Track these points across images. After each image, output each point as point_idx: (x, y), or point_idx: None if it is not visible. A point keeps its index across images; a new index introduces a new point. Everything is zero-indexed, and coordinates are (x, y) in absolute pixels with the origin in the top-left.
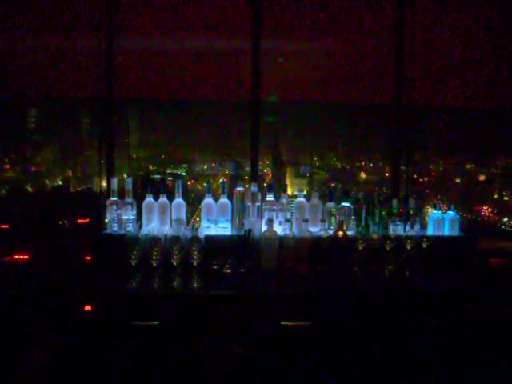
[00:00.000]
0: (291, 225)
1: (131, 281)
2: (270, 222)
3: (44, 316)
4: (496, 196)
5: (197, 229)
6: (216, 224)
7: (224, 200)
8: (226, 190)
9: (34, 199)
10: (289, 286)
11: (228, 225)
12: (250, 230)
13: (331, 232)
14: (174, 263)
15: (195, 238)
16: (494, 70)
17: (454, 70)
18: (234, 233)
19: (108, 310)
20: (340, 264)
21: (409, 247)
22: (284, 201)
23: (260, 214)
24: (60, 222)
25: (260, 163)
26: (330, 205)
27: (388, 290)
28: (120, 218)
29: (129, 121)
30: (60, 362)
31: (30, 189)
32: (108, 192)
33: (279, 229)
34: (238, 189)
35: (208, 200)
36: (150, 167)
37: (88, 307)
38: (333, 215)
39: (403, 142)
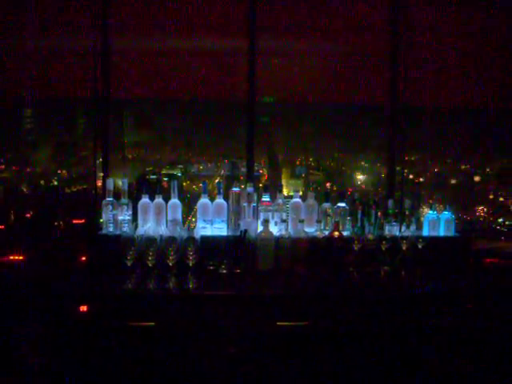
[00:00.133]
0: (287, 225)
1: (127, 281)
2: (265, 222)
3: (40, 317)
4: (491, 196)
5: (192, 229)
6: (212, 224)
7: (220, 200)
8: (221, 191)
9: (30, 200)
10: (284, 287)
11: (224, 225)
12: (245, 231)
13: (327, 232)
14: (170, 264)
15: (191, 239)
16: (491, 70)
17: (450, 70)
18: (229, 233)
19: (104, 310)
20: (336, 264)
21: (404, 248)
22: (280, 201)
23: (256, 215)
24: (55, 223)
25: (256, 164)
26: (326, 205)
27: (384, 291)
28: (116, 219)
29: (124, 121)
30: (56, 363)
31: (25, 189)
32: (103, 192)
33: (275, 229)
34: (234, 189)
35: (204, 200)
36: (146, 168)
37: (84, 308)
38: (328, 216)
39: (399, 143)
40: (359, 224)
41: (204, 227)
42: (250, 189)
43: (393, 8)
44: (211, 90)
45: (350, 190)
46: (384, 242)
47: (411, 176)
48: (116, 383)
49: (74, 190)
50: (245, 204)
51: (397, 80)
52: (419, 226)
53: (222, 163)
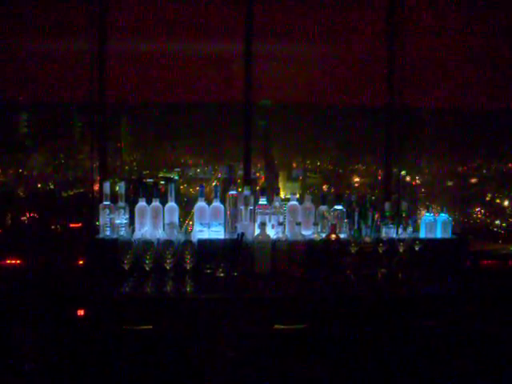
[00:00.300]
0: (284, 228)
1: (124, 285)
2: (262, 225)
3: (37, 321)
4: (488, 198)
5: (190, 233)
6: (209, 228)
7: (217, 204)
8: (218, 194)
9: (26, 203)
10: (282, 290)
11: (221, 228)
12: (242, 234)
13: (324, 235)
14: (167, 267)
15: (188, 242)
16: (488, 71)
17: (448, 72)
18: (226, 236)
19: (101, 314)
20: (333, 267)
21: (401, 250)
22: (277, 204)
23: (253, 218)
24: (52, 227)
25: (253, 167)
26: (323, 208)
27: (381, 293)
28: (113, 222)
29: (121, 124)
30: (53, 367)
31: (21, 193)
32: (100, 196)
33: (272, 232)
34: (231, 192)
35: (201, 204)
36: (143, 171)
37: (81, 312)
38: (325, 218)
39: (396, 145)
40: (356, 226)
41: (201, 230)
42: (246, 192)
43: (390, 10)
44: (208, 92)
45: (348, 192)
46: (381, 245)
47: (408, 178)
48: None
49: (71, 193)
50: (242, 207)
51: (394, 82)
52: (416, 228)
53: (219, 166)
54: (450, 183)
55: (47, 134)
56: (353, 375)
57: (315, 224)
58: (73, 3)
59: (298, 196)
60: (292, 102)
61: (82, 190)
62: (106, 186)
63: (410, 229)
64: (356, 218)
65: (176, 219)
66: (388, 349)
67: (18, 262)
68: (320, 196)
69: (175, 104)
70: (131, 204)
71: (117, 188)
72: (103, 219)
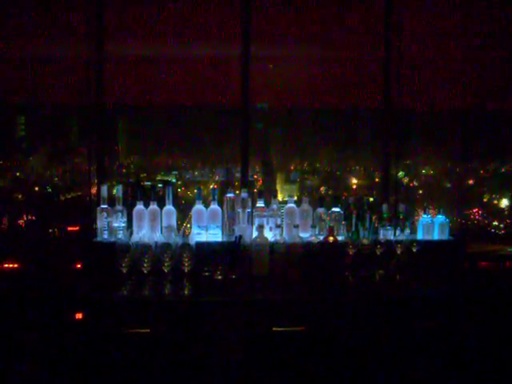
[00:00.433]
0: (282, 231)
1: (122, 288)
2: (260, 228)
3: (35, 324)
4: (486, 200)
5: (187, 235)
6: (207, 230)
7: (214, 206)
8: (216, 197)
9: (24, 207)
10: (280, 292)
11: (218, 231)
12: (240, 237)
13: (322, 237)
14: (165, 270)
15: (186, 245)
16: (484, 73)
17: (443, 74)
18: (224, 239)
19: (99, 317)
20: (331, 269)
21: (399, 252)
22: (274, 207)
23: (250, 220)
24: (50, 230)
25: (250, 169)
26: (320, 210)
27: (379, 295)
28: (110, 226)
29: (118, 128)
30: (51, 371)
31: (19, 196)
32: (98, 199)
33: (270, 235)
34: (229, 195)
35: (198, 207)
36: (141, 174)
37: (79, 315)
38: (323, 221)
39: (393, 147)
40: (354, 229)
41: (199, 233)
42: (244, 194)
43: (386, 13)
44: (206, 95)
45: (345, 194)
46: (379, 247)
47: (405, 180)
48: None
49: (69, 196)
50: (239, 210)
51: (391, 84)
52: (414, 230)
53: (217, 169)
54: (447, 184)
55: (45, 136)
56: (352, 377)
57: (313, 226)
58: (71, 6)
59: (295, 198)
60: (289, 105)
61: (79, 193)
62: (104, 189)
63: (407, 230)
64: (354, 220)
65: (174, 222)
66: (386, 350)
67: (16, 265)
68: (317, 198)
69: (173, 107)
70: (129, 207)
71: (114, 191)
72: (101, 222)
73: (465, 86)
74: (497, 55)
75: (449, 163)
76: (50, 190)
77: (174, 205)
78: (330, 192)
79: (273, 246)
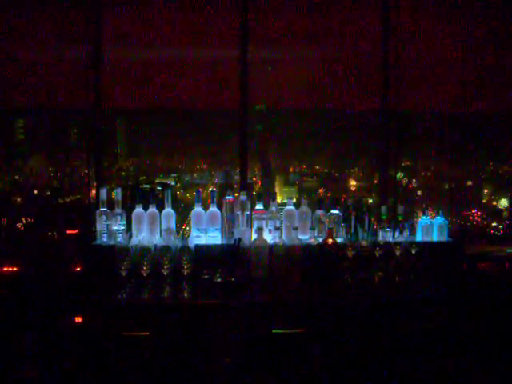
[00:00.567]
0: (281, 233)
1: (121, 291)
2: (259, 230)
3: (34, 328)
4: (485, 201)
5: (187, 238)
6: (206, 233)
7: (213, 209)
8: (215, 199)
9: (23, 210)
10: (279, 294)
11: (218, 234)
12: (239, 239)
13: (321, 239)
14: (165, 273)
15: (185, 248)
16: (483, 75)
17: (442, 76)
18: (223, 242)
19: (98, 321)
20: (330, 271)
21: (398, 253)
22: (273, 209)
23: (249, 223)
24: (49, 233)
25: (249, 171)
26: (319, 212)
27: (378, 296)
28: (110, 229)
29: (117, 131)
30: (51, 374)
31: (18, 199)
32: (97, 202)
33: (269, 237)
34: (228, 198)
35: (197, 209)
36: (139, 177)
37: (78, 318)
38: (322, 223)
39: (392, 149)
40: (353, 230)
41: (198, 236)
42: (243, 197)
43: (384, 15)
44: (204, 98)
45: (344, 196)
46: (378, 248)
47: (404, 181)
48: None
49: (68, 200)
50: (238, 212)
51: (389, 86)
52: (412, 232)
53: (216, 171)
54: (446, 186)
55: (43, 140)
56: (352, 378)
57: (312, 228)
58: (69, 11)
59: (294, 200)
60: (288, 107)
61: (78, 196)
62: (103, 192)
63: (406, 232)
64: (353, 221)
65: (173, 225)
66: (386, 352)
67: (15, 268)
68: (316, 200)
69: (171, 110)
70: (128, 210)
71: (113, 194)
72: (100, 225)
73: (463, 88)
74: (495, 57)
75: (447, 164)
76: (49, 193)
77: (173, 207)
78: (328, 194)
79: (272, 248)
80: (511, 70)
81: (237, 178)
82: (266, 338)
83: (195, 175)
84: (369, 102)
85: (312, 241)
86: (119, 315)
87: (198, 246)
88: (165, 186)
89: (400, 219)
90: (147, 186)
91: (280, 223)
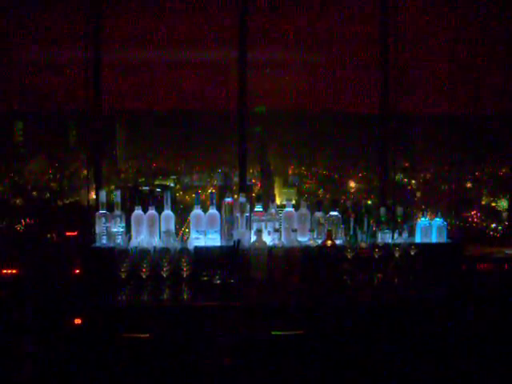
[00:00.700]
0: (280, 235)
1: (121, 293)
2: (258, 232)
3: (34, 329)
4: (484, 202)
5: (186, 240)
6: (205, 235)
7: (213, 211)
8: (214, 201)
9: (22, 212)
10: (279, 296)
11: (217, 236)
12: (239, 241)
13: (320, 241)
14: (164, 275)
15: (184, 250)
16: (481, 77)
17: (440, 78)
18: (223, 244)
19: (98, 323)
20: (329, 273)
21: (397, 255)
22: (272, 211)
23: (249, 225)
24: (48, 235)
25: (248, 172)
26: (318, 214)
27: (377, 298)
28: (109, 231)
29: (116, 133)
30: (51, 376)
31: (17, 201)
32: (96, 204)
33: (268, 239)
34: (227, 200)
35: (197, 211)
36: (139, 179)
37: (78, 320)
38: (321, 224)
39: (391, 150)
40: (352, 232)
41: (197, 238)
42: (242, 199)
43: (383, 19)
44: (203, 100)
45: (343, 198)
46: (377, 250)
47: (403, 183)
48: None
49: (67, 202)
50: (238, 214)
51: (388, 88)
52: (412, 233)
53: (215, 173)
54: (445, 187)
55: (43, 142)
56: (351, 380)
57: (311, 230)
58: (68, 13)
59: (293, 202)
60: (287, 109)
61: (77, 199)
62: (102, 194)
63: (405, 234)
64: (352, 223)
65: (172, 227)
66: (385, 353)
67: (14, 271)
68: (316, 202)
69: (170, 111)
70: (127, 212)
71: (113, 196)
72: (99, 228)
73: (462, 90)
74: (495, 58)
75: (447, 166)
76: (48, 195)
77: (172, 209)
78: (328, 196)
79: (271, 250)
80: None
81: (236, 179)
82: (266, 340)
83: (194, 177)
84: (368, 104)
85: (311, 242)
86: (119, 317)
87: (197, 248)
88: (164, 187)
89: (399, 221)
90: (146, 187)
91: (279, 225)
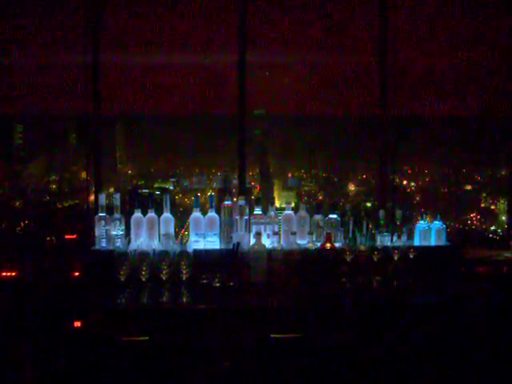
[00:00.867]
0: (279, 238)
1: (120, 296)
2: (258, 235)
3: (33, 332)
4: (483, 205)
5: (185, 243)
6: (204, 238)
7: (212, 214)
8: (214, 204)
9: (22, 215)
10: (278, 299)
11: (216, 239)
12: (238, 244)
13: (319, 244)
14: (163, 278)
15: (184, 253)
16: (480, 80)
17: (440, 81)
18: (222, 247)
19: (97, 325)
20: (328, 276)
21: (396, 258)
22: (272, 214)
23: (248, 228)
24: (48, 238)
25: (248, 175)
26: (318, 217)
27: (376, 301)
28: (108, 234)
29: (116, 136)
30: (50, 379)
31: (17, 204)
32: (96, 207)
33: (267, 242)
34: (226, 202)
35: (196, 214)
36: (138, 182)
37: (77, 323)
38: (320, 227)
39: (390, 153)
40: (351, 235)
41: (197, 241)
42: (241, 202)
43: (382, 21)
44: (203, 103)
45: (343, 200)
46: (376, 253)
47: (403, 186)
48: None
49: (66, 204)
50: (237, 217)
51: (387, 91)
52: (411, 236)
53: (214, 176)
54: (444, 190)
55: (42, 145)
56: (349, 382)
57: (310, 233)
58: (67, 16)
59: (292, 205)
60: (286, 112)
61: (77, 201)
62: (102, 197)
63: (404, 237)
64: (351, 226)
65: (171, 230)
66: (384, 356)
67: (14, 274)
68: (315, 205)
69: (170, 115)
70: (127, 215)
71: (112, 199)
72: (99, 231)
73: (462, 93)
74: (493, 64)
75: (446, 169)
76: (47, 197)
77: (171, 212)
78: (327, 199)
79: (270, 253)
80: (510, 73)
81: (235, 182)
82: (265, 343)
83: (194, 180)
84: (367, 107)
85: (310, 245)
86: (118, 320)
87: (196, 251)
88: (163, 190)
89: (398, 224)
90: (146, 190)
91: (278, 228)
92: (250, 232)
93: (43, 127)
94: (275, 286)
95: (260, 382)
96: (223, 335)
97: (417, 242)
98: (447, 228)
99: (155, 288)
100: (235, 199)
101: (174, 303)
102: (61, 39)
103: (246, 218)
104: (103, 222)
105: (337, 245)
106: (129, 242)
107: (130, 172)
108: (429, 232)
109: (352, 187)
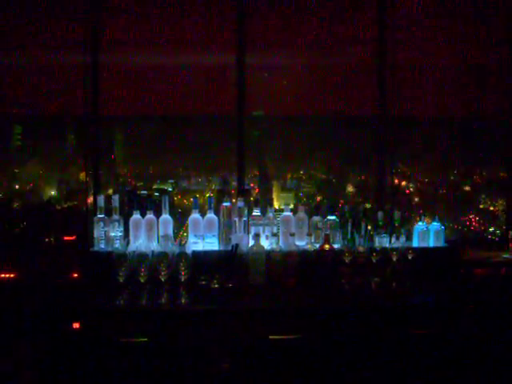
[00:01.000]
0: (278, 239)
1: (119, 298)
2: (256, 236)
3: (32, 334)
4: (482, 206)
5: (184, 245)
6: (203, 239)
7: (211, 215)
8: (212, 205)
9: (20, 216)
10: (276, 300)
11: (215, 240)
12: (237, 245)
13: (318, 245)
14: (162, 279)
15: (182, 254)
16: (479, 81)
17: (439, 81)
18: (221, 248)
19: (96, 327)
20: (327, 277)
21: (395, 259)
22: (270, 215)
23: (247, 229)
24: (46, 240)
25: (246, 176)
26: (316, 218)
27: (375, 302)
28: (107, 235)
29: (114, 137)
30: (49, 380)
31: (15, 205)
32: (95, 209)
33: (266, 243)
34: (225, 204)
35: (195, 216)
36: (137, 183)
37: (76, 325)
38: (319, 229)
39: (388, 154)
40: (349, 236)
41: (195, 242)
42: (240, 203)
43: (381, 21)
44: (201, 104)
45: (341, 202)
46: (374, 254)
47: (401, 187)
48: None
49: (65, 206)
50: (236, 218)
51: (386, 91)
52: (409, 238)
53: (213, 177)
54: (443, 191)
55: (41, 146)
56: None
57: (309, 234)
58: (67, 17)
59: (291, 206)
60: (285, 113)
61: (75, 203)
62: (100, 199)
63: (403, 238)
64: (349, 227)
65: (170, 231)
66: (383, 358)
67: (12, 275)
68: (313, 206)
69: (169, 116)
70: (125, 216)
71: (111, 201)
72: (98, 232)
73: (460, 93)
74: (492, 64)
75: (445, 170)
76: (46, 199)
77: (170, 214)
78: (325, 200)
79: (269, 254)
80: (509, 74)
81: (234, 184)
82: (263, 344)
83: (192, 181)
84: (366, 108)
85: (309, 247)
86: (117, 321)
87: (195, 252)
88: (162, 192)
89: (396, 225)
90: (144, 192)
91: (277, 229)
92: (248, 233)
93: (42, 129)
94: (274, 287)
95: (259, 383)
96: (222, 336)
97: (415, 244)
98: (445, 229)
99: (154, 289)
100: (234, 200)
101: (173, 305)
102: (61, 40)
103: (245, 219)
104: (102, 224)
105: (335, 246)
106: (127, 243)
107: (128, 173)
108: (427, 233)
109: (351, 188)
